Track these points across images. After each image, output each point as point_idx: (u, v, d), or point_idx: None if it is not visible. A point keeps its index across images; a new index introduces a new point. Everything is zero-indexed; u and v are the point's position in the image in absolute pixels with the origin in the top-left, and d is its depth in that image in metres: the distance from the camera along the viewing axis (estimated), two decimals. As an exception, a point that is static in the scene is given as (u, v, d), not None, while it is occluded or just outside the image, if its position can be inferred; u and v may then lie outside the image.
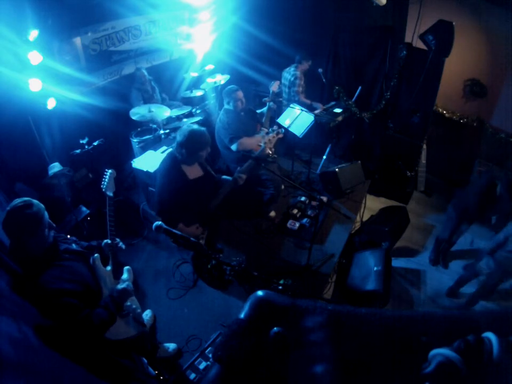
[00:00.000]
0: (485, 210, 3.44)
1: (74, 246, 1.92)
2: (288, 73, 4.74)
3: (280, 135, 3.44)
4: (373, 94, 4.73)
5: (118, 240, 2.06)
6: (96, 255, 1.93)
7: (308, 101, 4.76)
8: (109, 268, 1.98)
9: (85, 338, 1.68)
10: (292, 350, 0.89)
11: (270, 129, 3.57)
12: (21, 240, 1.60)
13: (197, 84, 4.79)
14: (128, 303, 1.96)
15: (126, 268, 2.05)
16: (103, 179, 2.13)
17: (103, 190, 2.08)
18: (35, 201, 1.66)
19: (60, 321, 1.62)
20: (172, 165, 2.70)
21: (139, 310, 2.03)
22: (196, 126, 2.69)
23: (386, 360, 0.89)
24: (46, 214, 1.68)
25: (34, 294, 1.61)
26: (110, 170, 2.17)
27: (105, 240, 2.04)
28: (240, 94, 3.58)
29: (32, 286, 1.59)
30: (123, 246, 2.08)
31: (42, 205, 1.68)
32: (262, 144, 3.21)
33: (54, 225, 1.76)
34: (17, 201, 1.62)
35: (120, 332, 1.87)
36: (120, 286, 1.85)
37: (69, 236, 2.00)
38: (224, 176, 3.00)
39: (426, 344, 0.84)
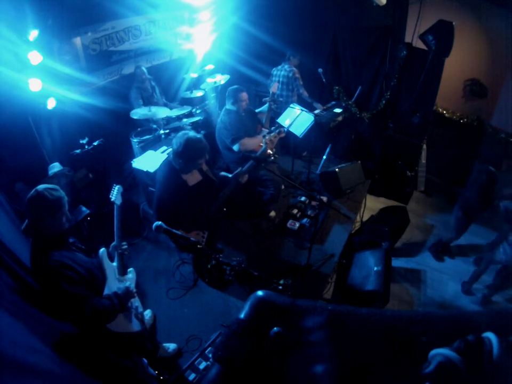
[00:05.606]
0: (488, 204, 3.54)
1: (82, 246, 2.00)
2: (284, 70, 4.71)
3: (282, 134, 3.43)
4: (373, 94, 4.72)
5: (124, 243, 2.11)
6: (102, 249, 2.00)
7: (308, 97, 4.77)
8: (114, 263, 2.04)
9: (84, 319, 1.72)
10: (292, 350, 0.88)
11: (272, 129, 3.56)
12: (39, 218, 1.68)
13: (197, 84, 4.79)
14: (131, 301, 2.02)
15: (130, 269, 2.12)
16: (112, 191, 2.20)
17: (112, 200, 2.15)
18: (61, 190, 1.79)
19: (62, 297, 1.66)
20: (171, 174, 2.64)
21: (141, 310, 2.09)
22: (191, 133, 2.60)
23: (386, 360, 0.89)
24: (67, 204, 1.80)
25: (40, 267, 1.68)
26: (117, 186, 2.23)
27: (112, 244, 2.10)
28: (245, 95, 3.55)
29: (39, 260, 1.68)
30: (127, 251, 2.14)
31: (66, 197, 1.81)
32: (263, 144, 3.20)
33: (71, 217, 1.85)
34: (47, 185, 1.74)
35: (122, 325, 1.92)
36: (123, 285, 1.94)
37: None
38: (223, 173, 2.97)
39: (426, 344, 0.84)
